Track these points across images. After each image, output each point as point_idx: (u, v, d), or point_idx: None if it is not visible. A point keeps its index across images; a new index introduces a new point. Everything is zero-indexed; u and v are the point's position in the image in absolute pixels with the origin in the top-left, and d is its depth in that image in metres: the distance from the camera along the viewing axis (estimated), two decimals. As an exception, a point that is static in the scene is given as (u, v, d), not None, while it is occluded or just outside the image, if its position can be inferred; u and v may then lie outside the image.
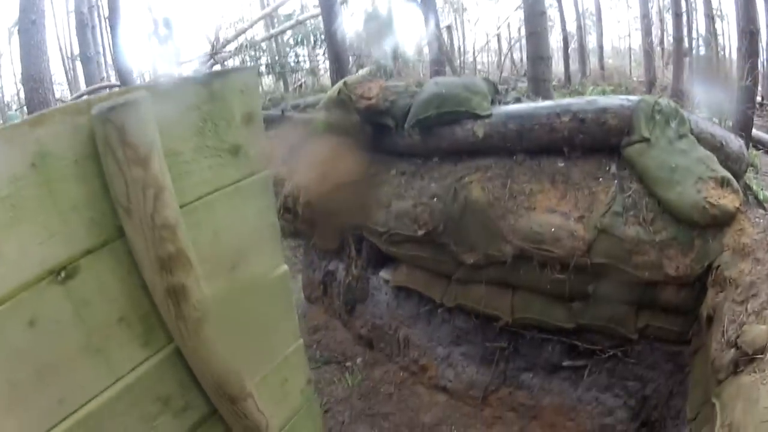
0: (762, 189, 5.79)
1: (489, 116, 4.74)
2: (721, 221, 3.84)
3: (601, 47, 17.65)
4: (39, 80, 8.45)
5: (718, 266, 3.71)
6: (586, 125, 4.34)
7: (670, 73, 14.18)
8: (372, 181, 5.20)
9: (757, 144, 9.07)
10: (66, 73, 17.64)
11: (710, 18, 14.79)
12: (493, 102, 4.98)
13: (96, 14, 12.94)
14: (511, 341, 4.89)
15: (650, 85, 14.18)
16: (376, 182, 5.20)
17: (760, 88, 8.82)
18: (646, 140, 4.15)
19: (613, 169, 4.33)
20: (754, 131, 8.85)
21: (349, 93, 5.18)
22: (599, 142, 4.39)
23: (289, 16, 13.71)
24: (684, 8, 14.47)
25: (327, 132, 5.48)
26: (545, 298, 4.53)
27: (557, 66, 13.76)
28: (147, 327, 1.67)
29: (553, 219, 4.26)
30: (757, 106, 9.59)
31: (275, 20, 14.30)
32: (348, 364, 5.83)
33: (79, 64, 14.58)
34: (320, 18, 11.42)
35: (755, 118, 9.33)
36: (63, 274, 1.44)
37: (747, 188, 4.94)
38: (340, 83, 5.49)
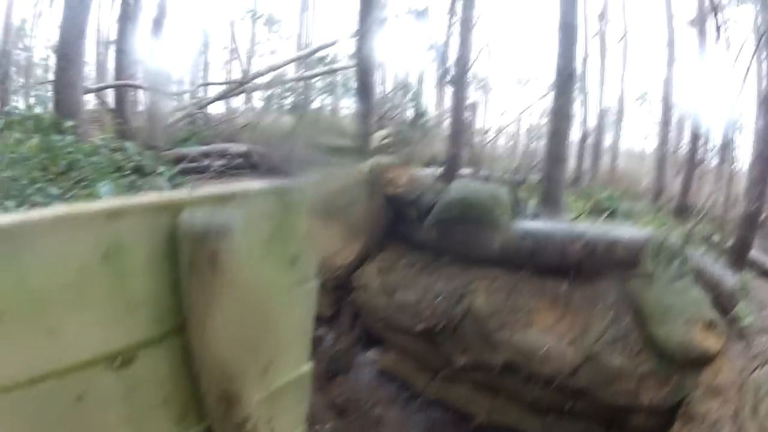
0: (748, 315, 5.91)
1: (508, 229, 4.89)
2: (701, 361, 3.99)
3: (615, 149, 17.98)
4: (72, 62, 8.34)
5: (689, 402, 3.87)
6: (596, 254, 4.49)
7: (679, 183, 14.40)
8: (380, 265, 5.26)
9: (754, 263, 9.21)
10: (97, 55, 17.58)
11: (726, 136, 15.07)
12: (512, 211, 5.11)
13: (139, 8, 12.97)
14: (483, 439, 4.91)
15: (657, 193, 14.42)
16: (384, 268, 5.26)
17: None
18: (649, 276, 4.31)
19: (612, 298, 4.45)
20: (753, 253, 8.98)
21: (379, 175, 5.31)
22: (604, 271, 4.53)
23: (322, 60, 13.86)
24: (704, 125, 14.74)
25: (348, 203, 5.56)
26: (523, 407, 4.60)
27: (569, 161, 13.97)
28: (185, 408, 1.73)
29: (547, 339, 4.37)
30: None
31: (308, 62, 14.44)
32: (317, 427, 5.79)
33: (111, 52, 14.60)
34: (351, 69, 11.61)
35: (756, 239, 9.49)
36: (119, 360, 1.49)
37: (734, 320, 5.09)
38: (371, 161, 5.60)
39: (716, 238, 9.51)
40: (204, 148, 10.48)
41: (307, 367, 2.26)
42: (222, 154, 10.32)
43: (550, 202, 7.42)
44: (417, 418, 5.24)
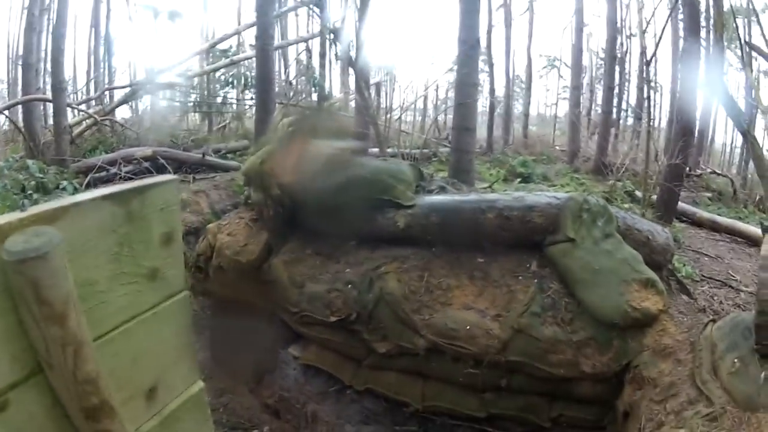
0: (684, 265, 6.00)
1: (412, 206, 4.72)
2: (643, 323, 3.91)
3: (526, 115, 18.23)
4: None
5: (637, 365, 3.78)
6: (510, 223, 4.37)
7: (594, 144, 14.71)
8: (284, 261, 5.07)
9: (682, 216, 9.51)
10: (8, 72, 17.10)
11: (641, 90, 15.45)
12: (417, 188, 4.97)
13: (47, 18, 12.37)
14: (421, 425, 4.74)
15: (573, 155, 14.68)
16: (290, 260, 5.04)
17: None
18: (571, 240, 4.21)
19: (534, 267, 4.37)
20: (680, 204, 9.26)
21: (269, 168, 5.06)
22: (522, 240, 4.43)
23: (225, 53, 13.44)
24: (617, 81, 15.09)
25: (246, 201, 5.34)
26: (457, 388, 4.44)
27: (480, 131, 14.12)
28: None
29: (469, 316, 4.22)
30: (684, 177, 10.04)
31: (210, 55, 14.03)
32: (255, 431, 5.61)
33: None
34: (253, 60, 11.39)
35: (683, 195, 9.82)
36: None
37: (671, 274, 5.10)
38: (262, 152, 5.35)
39: (639, 194, 9.69)
40: (110, 155, 10.26)
41: (198, 384, 2.08)
42: (128, 160, 10.07)
43: (461, 173, 7.38)
44: (352, 410, 5.05)
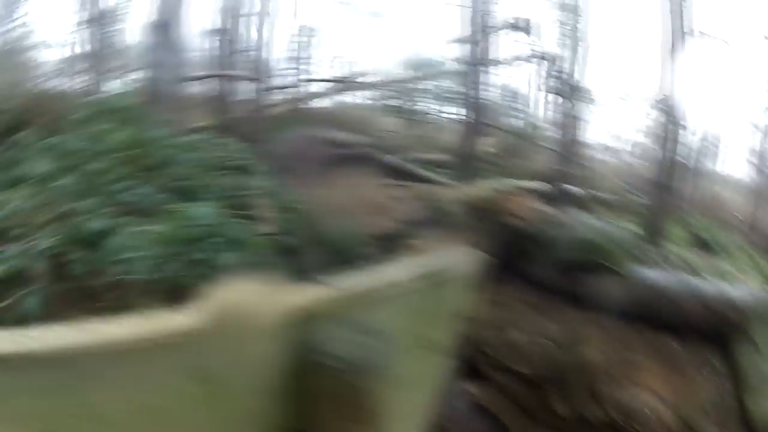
0: None
1: (626, 276, 4.85)
2: None
3: (713, 174, 16.85)
4: (169, 47, 7.90)
5: None
6: (711, 314, 4.43)
7: None
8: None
9: None
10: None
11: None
12: (632, 256, 5.09)
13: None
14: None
15: (751, 227, 13.39)
16: (496, 300, 5.20)
17: None
18: (756, 345, 4.23)
19: (717, 363, 4.40)
20: None
21: (496, 201, 5.27)
22: (715, 331, 4.46)
23: (429, 62, 13.72)
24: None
25: (453, 224, 5.51)
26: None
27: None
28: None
29: (651, 399, 4.34)
30: None
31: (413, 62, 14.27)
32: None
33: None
34: (457, 75, 11.32)
35: None
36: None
37: None
38: (487, 184, 5.58)
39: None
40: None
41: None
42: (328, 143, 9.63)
43: (653, 232, 7.23)
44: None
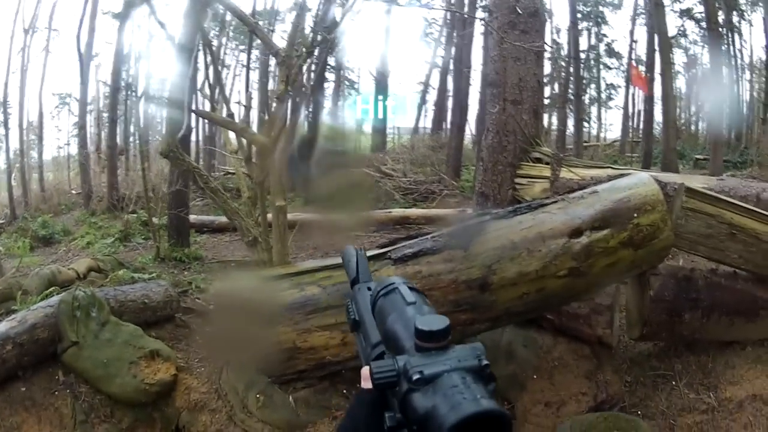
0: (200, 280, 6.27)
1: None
2: (167, 391, 4.18)
3: (41, 165, 16.33)
4: None
5: (184, 426, 4.10)
6: (26, 348, 4.08)
7: (105, 179, 14.00)
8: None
9: (204, 228, 9.86)
10: None
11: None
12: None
13: None
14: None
15: (87, 197, 13.73)
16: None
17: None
18: (75, 343, 4.17)
19: (61, 376, 4.19)
20: (194, 217, 9.51)
21: None
22: (44, 357, 4.22)
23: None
24: (121, 114, 14.52)
25: None
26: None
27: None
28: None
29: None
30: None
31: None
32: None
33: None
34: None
35: (201, 204, 10.08)
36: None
37: (183, 315, 5.32)
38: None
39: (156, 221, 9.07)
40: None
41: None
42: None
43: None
44: None
